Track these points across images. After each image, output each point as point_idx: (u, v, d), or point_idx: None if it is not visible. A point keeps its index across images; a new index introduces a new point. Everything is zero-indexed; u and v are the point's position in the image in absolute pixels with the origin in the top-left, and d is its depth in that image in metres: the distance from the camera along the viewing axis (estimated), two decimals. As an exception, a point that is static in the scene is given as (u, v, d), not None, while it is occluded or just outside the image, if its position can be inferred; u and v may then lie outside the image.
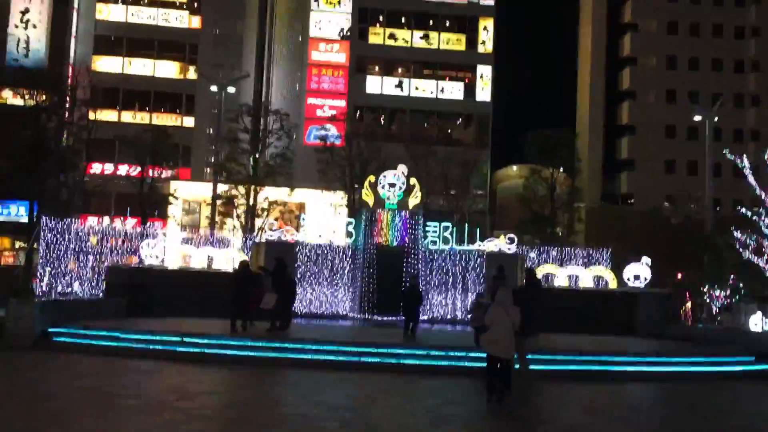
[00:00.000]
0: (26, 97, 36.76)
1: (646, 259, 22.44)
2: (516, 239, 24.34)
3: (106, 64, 47.04)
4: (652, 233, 36.96)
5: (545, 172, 37.40)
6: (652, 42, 56.68)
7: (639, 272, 22.22)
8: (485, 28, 51.76)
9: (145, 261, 23.28)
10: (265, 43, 50.09)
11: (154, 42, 47.73)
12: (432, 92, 50.88)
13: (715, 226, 31.69)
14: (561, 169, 38.28)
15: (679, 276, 33.55)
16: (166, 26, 47.86)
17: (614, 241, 30.40)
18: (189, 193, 43.47)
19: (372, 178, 24.57)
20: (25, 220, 37.75)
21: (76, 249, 24.01)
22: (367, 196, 24.16)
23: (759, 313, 20.44)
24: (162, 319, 19.19)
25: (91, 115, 39.41)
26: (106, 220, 38.58)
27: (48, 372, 13.57)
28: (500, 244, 24.20)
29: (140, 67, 47.36)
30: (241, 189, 35.60)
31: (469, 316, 17.64)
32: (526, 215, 37.41)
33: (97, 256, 24.36)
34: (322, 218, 39.72)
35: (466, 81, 51.36)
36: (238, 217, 35.71)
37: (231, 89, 37.14)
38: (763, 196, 23.84)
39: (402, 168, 24.34)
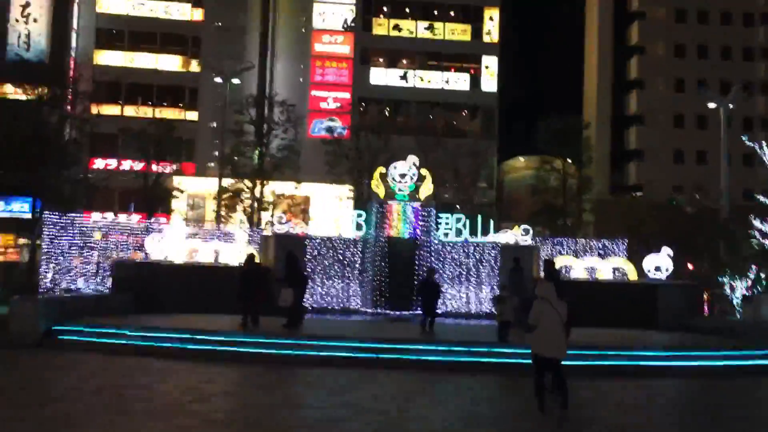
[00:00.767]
0: (28, 91, 36.16)
1: (667, 250, 21.78)
2: (531, 230, 23.70)
3: (108, 57, 46.39)
4: (665, 224, 36.30)
5: (556, 162, 36.73)
6: (660, 30, 55.87)
7: (660, 263, 21.56)
8: (491, 18, 51.03)
9: (151, 256, 22.70)
10: (268, 36, 49.37)
11: (157, 35, 47.06)
12: (437, 83, 50.19)
13: (729, 216, 31.03)
14: (570, 160, 37.61)
15: (690, 267, 32.91)
16: (168, 19, 47.20)
17: (625, 232, 29.78)
18: (193, 187, 42.88)
19: (382, 169, 23.90)
20: (28, 216, 37.18)
21: (80, 245, 23.43)
22: (378, 188, 23.51)
23: (782, 304, 19.81)
24: (170, 315, 18.63)
25: (94, 110, 38.85)
26: (110, 215, 38.02)
27: (53, 372, 12.98)
28: (515, 235, 23.57)
29: (143, 60, 46.70)
30: (247, 182, 35.01)
31: (493, 310, 17.04)
32: (537, 206, 36.77)
33: (102, 252, 23.78)
34: (329, 211, 39.23)
35: (472, 72, 50.66)
36: (244, 210, 35.12)
37: (236, 81, 36.46)
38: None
39: (413, 158, 23.67)
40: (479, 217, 24.22)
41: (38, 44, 43.67)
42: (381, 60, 50.11)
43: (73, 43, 45.36)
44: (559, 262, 23.23)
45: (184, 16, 47.66)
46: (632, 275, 22.65)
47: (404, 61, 50.33)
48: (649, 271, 22.00)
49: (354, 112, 43.82)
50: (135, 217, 39.34)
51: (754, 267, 24.45)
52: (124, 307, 19.62)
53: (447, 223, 23.72)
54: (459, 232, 23.54)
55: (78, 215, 25.71)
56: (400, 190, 23.07)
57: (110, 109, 44.58)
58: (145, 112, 45.08)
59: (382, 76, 49.78)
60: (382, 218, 22.87)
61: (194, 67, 47.01)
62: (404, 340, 15.37)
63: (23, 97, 36.65)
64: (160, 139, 37.94)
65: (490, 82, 50.53)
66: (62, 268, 22.33)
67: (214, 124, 43.88)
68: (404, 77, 49.92)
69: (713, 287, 28.31)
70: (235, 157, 35.10)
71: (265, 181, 35.18)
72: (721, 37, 55.54)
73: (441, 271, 22.77)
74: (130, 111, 45.72)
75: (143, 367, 13.26)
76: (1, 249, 41.36)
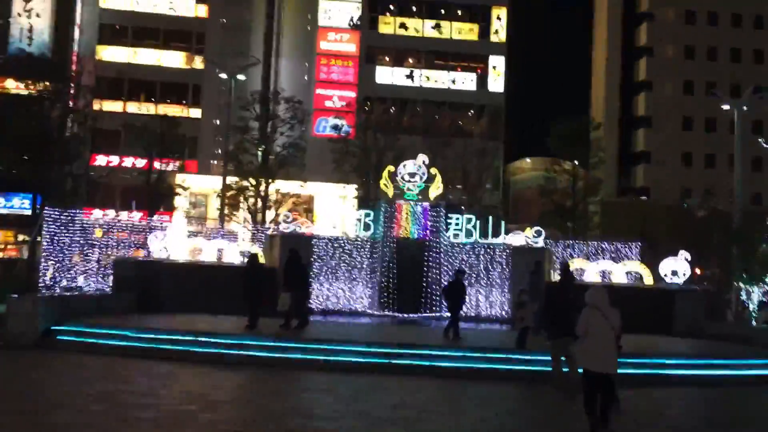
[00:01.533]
0: (30, 85, 35.60)
1: (684, 254, 21.18)
2: (543, 232, 23.11)
3: (111, 53, 45.83)
4: (675, 227, 35.75)
5: (565, 164, 36.15)
6: (669, 31, 55.32)
7: (677, 267, 20.96)
8: (498, 18, 50.48)
9: (153, 254, 22.13)
10: (273, 33, 48.82)
11: (160, 31, 46.49)
12: (444, 83, 49.63)
13: (741, 219, 30.45)
14: (577, 162, 37.01)
15: (698, 271, 32.36)
16: (172, 15, 46.61)
17: (633, 235, 29.18)
18: (196, 185, 42.31)
19: (391, 167, 23.34)
20: (29, 212, 36.64)
21: (81, 242, 22.87)
22: (386, 187, 22.94)
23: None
24: (173, 315, 18.06)
25: (96, 106, 38.26)
26: (112, 212, 37.49)
27: (52, 375, 12.40)
28: (526, 237, 23.00)
29: (146, 56, 46.13)
30: (251, 180, 34.44)
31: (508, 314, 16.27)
32: (545, 208, 36.18)
33: (103, 250, 23.22)
34: (333, 211, 38.68)
35: (479, 71, 50.10)
36: (248, 209, 34.54)
37: (241, 77, 35.87)
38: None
39: (423, 157, 23.09)
40: (490, 219, 23.64)
41: (41, 39, 43.12)
42: (387, 59, 49.56)
43: (76, 38, 44.80)
44: (572, 265, 22.65)
45: (189, 12, 47.09)
46: (648, 279, 22.05)
47: (410, 60, 49.80)
48: (665, 275, 21.40)
49: (359, 111, 43.23)
50: (137, 215, 38.84)
51: (773, 272, 23.85)
52: (126, 307, 19.04)
53: (457, 224, 23.14)
54: (469, 233, 22.96)
55: (79, 212, 25.15)
56: (409, 189, 22.52)
57: (113, 105, 43.96)
58: (148, 108, 44.50)
59: (388, 74, 49.23)
60: (390, 218, 22.31)
61: (198, 63, 46.43)
62: (418, 345, 14.77)
63: (25, 92, 36.08)
64: (163, 136, 37.39)
65: (497, 82, 49.98)
66: (63, 266, 21.75)
67: (218, 122, 43.34)
68: (410, 76, 49.38)
69: (724, 292, 27.74)
70: (239, 155, 34.51)
71: (269, 180, 34.59)
72: (731, 39, 55.01)
73: (450, 274, 22.25)
74: (132, 107, 45.13)
75: (146, 371, 12.68)
76: (1, 245, 40.82)
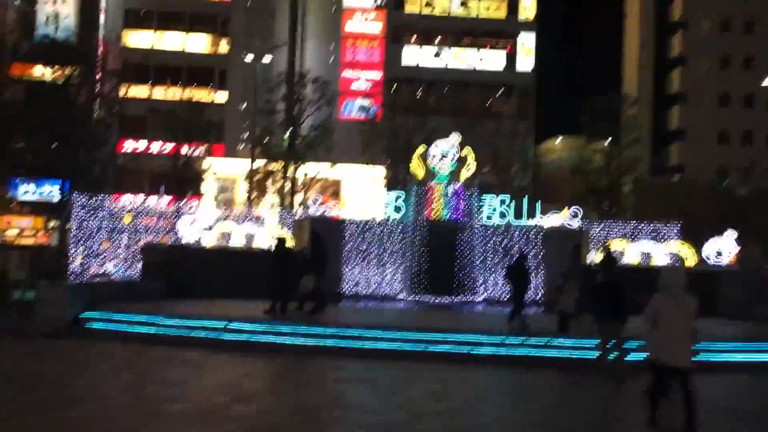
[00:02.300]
0: (56, 71, 35.53)
1: (731, 233, 20.32)
2: (580, 213, 22.35)
3: (137, 38, 45.63)
4: (713, 205, 34.63)
5: (598, 143, 35.20)
6: (704, 5, 53.51)
7: (723, 247, 20.12)
8: (527, -6, 49.26)
9: (182, 239, 21.85)
10: (298, 15, 48.19)
11: (185, 15, 46.14)
12: (471, 62, 48.65)
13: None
14: (611, 140, 36.03)
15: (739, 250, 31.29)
16: (197, -2, 46.22)
17: (670, 215, 28.26)
18: (223, 169, 42.08)
19: (423, 148, 22.72)
20: (57, 198, 36.70)
21: (110, 228, 22.69)
22: (417, 168, 22.33)
23: None
24: (202, 301, 17.74)
25: (122, 91, 38.11)
26: (140, 197, 37.41)
27: (80, 364, 12.10)
28: (562, 218, 22.28)
29: (171, 40, 45.85)
30: (279, 163, 34.08)
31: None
32: (578, 188, 35.30)
33: (132, 235, 23.02)
34: (361, 193, 38.20)
35: (507, 50, 49.00)
36: (276, 192, 34.20)
37: (267, 59, 35.39)
38: None
39: (455, 137, 22.42)
40: (525, 200, 22.94)
41: (66, 25, 43.00)
42: (413, 39, 48.70)
43: (101, 23, 44.63)
44: (612, 246, 21.93)
45: (213, -5, 46.65)
46: (691, 260, 21.22)
47: (437, 40, 48.85)
48: (707, 257, 20.57)
49: (386, 93, 42.56)
50: (165, 200, 38.75)
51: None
52: (155, 293, 18.76)
53: (490, 206, 22.48)
54: (502, 215, 22.31)
55: (107, 197, 24.99)
56: (441, 170, 21.90)
57: (139, 91, 43.83)
58: (174, 93, 44.28)
59: (414, 55, 48.40)
60: (421, 200, 21.74)
61: (223, 47, 46.05)
62: (454, 330, 14.23)
63: (51, 78, 36.03)
64: (189, 121, 37.15)
65: (526, 61, 48.88)
66: (91, 252, 21.58)
67: (244, 106, 42.99)
68: (437, 56, 48.46)
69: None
70: (266, 138, 34.14)
71: (297, 163, 34.19)
72: (769, 10, 53.02)
73: (484, 256, 21.68)
74: (158, 92, 44.94)
75: (176, 359, 12.33)
76: (32, 232, 41.03)
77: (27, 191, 40.93)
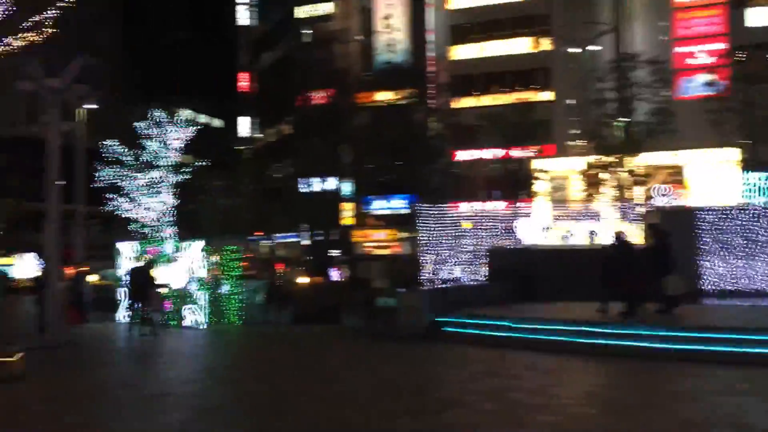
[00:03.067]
0: (396, 94, 38.66)
1: None
2: None
3: (461, 51, 47.58)
4: None
5: None
6: None
7: None
8: None
9: (522, 241, 21.86)
10: (621, -3, 45.51)
11: (506, 21, 46.84)
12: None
13: None
14: None
15: None
16: (516, 1, 46.54)
17: None
18: (554, 167, 41.51)
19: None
20: (405, 210, 39.76)
21: (453, 234, 23.68)
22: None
23: None
24: (550, 303, 17.35)
25: (453, 103, 39.96)
26: (477, 204, 38.68)
27: (442, 368, 12.56)
28: None
29: (494, 48, 46.89)
30: (613, 156, 32.35)
31: None
32: None
33: (474, 241, 23.72)
34: (708, 178, 34.50)
35: None
36: (613, 186, 32.51)
37: (592, 48, 33.97)
38: None
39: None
40: None
41: (401, 50, 46.65)
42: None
43: (430, 43, 47.50)
44: None
45: (531, -5, 46.54)
46: None
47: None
48: None
49: (733, 63, 37.80)
50: (500, 204, 39.49)
51: None
52: (503, 296, 18.92)
53: None
54: None
55: (447, 206, 26.18)
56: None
57: (467, 102, 45.57)
58: (500, 99, 45.10)
59: (761, 16, 42.29)
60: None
61: (545, 45, 45.63)
62: None
63: (392, 101, 39.30)
64: (518, 123, 37.43)
65: None
66: (439, 259, 22.70)
67: (572, 101, 41.94)
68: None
69: None
70: (599, 130, 32.68)
71: (634, 152, 32.09)
72: None
73: None
74: (486, 100, 46.19)
75: (532, 364, 12.08)
76: (387, 243, 45.16)
77: (379, 207, 45.20)
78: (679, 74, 42.07)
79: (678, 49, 43.14)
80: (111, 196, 27.36)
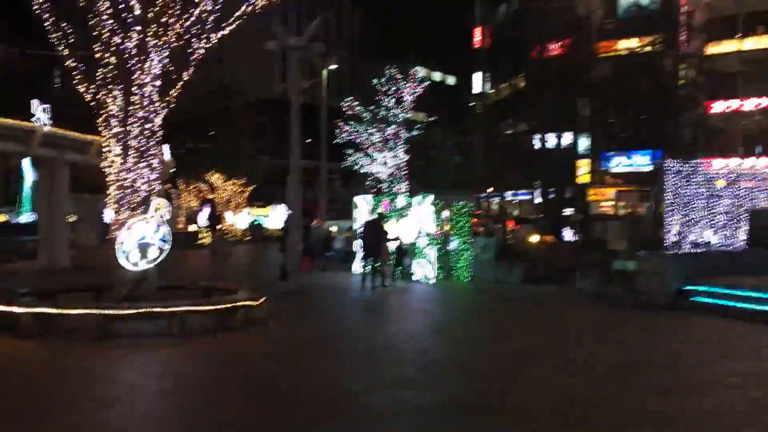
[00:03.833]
0: (642, 41, 35.41)
1: None
2: None
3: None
4: None
5: None
6: None
7: None
8: None
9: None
10: None
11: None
12: None
13: None
14: None
15: None
16: None
17: None
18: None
19: None
20: (648, 168, 36.76)
21: (706, 194, 21.16)
22: None
23: None
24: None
25: (709, 49, 35.76)
26: (734, 160, 34.59)
27: (691, 342, 11.15)
28: None
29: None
30: None
31: None
32: None
33: (730, 202, 21.00)
34: None
35: None
36: None
37: None
38: None
39: None
40: None
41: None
42: None
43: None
44: None
45: None
46: None
47: None
48: None
49: None
50: (762, 161, 35.07)
51: None
52: (763, 264, 16.50)
53: None
54: None
55: (700, 162, 23.48)
56: None
57: (726, 46, 40.48)
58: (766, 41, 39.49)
59: None
60: None
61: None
62: None
63: (636, 49, 36.04)
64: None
65: None
66: (688, 221, 20.47)
67: None
68: None
69: None
70: None
71: None
72: None
73: None
74: (749, 44, 40.70)
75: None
76: (627, 203, 42.28)
77: (619, 163, 42.39)
78: None
79: None
80: (349, 151, 28.45)
